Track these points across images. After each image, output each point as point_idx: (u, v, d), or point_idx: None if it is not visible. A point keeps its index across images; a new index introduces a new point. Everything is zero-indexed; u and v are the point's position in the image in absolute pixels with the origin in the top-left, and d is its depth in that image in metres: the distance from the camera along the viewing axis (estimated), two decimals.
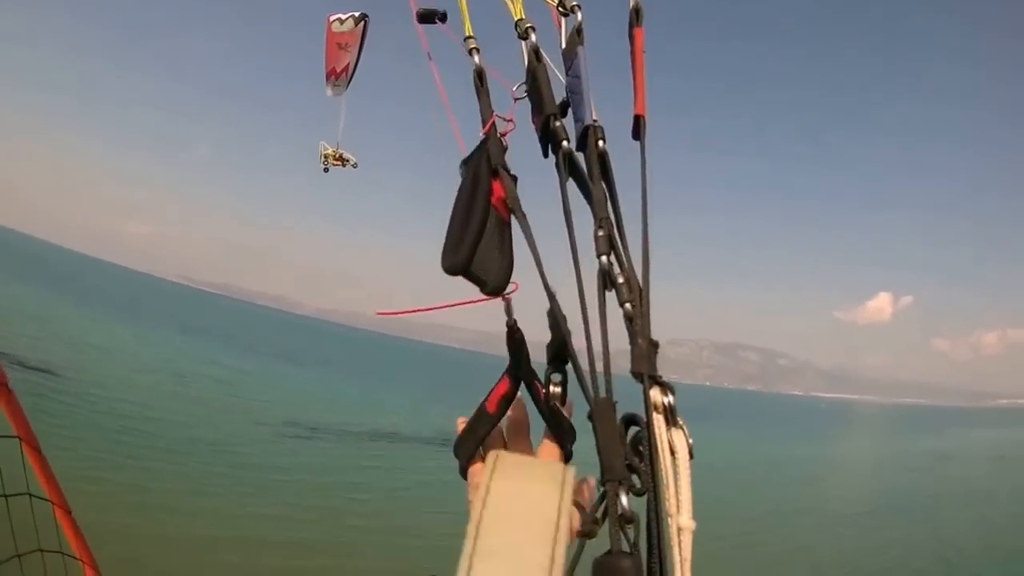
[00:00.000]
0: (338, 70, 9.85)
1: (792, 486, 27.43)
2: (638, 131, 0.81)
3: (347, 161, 10.96)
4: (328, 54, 9.74)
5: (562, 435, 0.86)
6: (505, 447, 0.88)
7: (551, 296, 0.75)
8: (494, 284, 0.84)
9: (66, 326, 34.01)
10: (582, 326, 0.72)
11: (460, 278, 0.84)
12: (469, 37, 0.92)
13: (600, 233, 0.74)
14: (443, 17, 1.11)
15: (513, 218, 0.84)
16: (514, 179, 0.85)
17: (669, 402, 0.66)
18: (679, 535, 0.61)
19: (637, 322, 0.69)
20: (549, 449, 0.86)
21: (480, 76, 0.90)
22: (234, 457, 17.11)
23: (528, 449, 0.88)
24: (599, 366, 0.71)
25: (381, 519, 14.14)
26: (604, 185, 0.79)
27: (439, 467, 19.95)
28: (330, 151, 10.86)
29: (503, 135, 0.87)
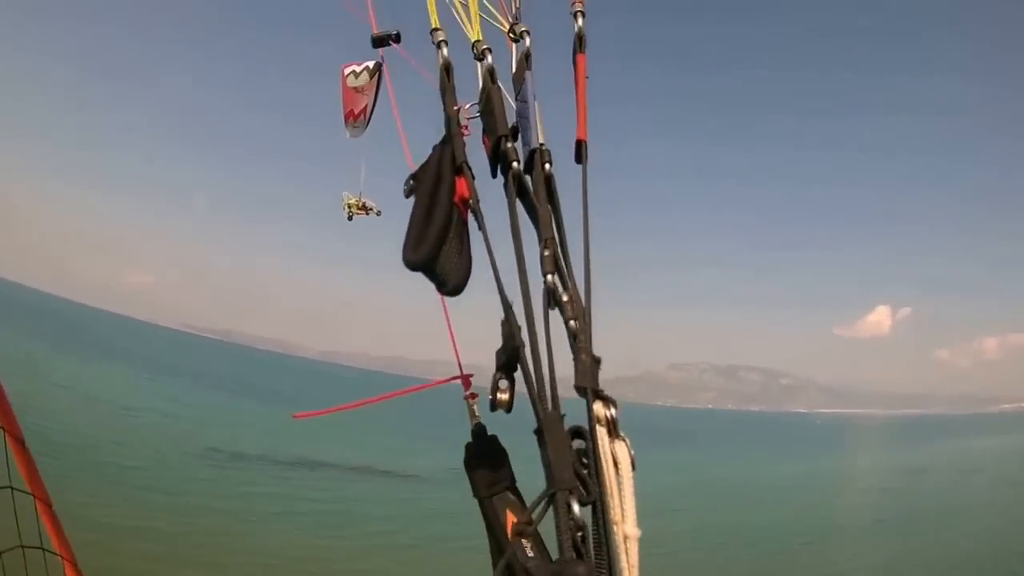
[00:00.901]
0: (356, 112, 9.68)
1: (754, 508, 27.16)
2: (580, 155, 0.82)
3: (371, 209, 10.39)
4: (344, 98, 9.58)
5: None
6: None
7: (507, 305, 0.74)
8: (454, 283, 0.83)
9: (34, 366, 34.93)
10: (528, 342, 0.73)
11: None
12: (436, 29, 0.91)
13: (546, 253, 0.75)
14: (397, 38, 1.13)
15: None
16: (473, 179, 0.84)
17: (612, 415, 0.68)
18: (625, 542, 0.64)
19: (581, 338, 0.70)
20: None
21: (447, 70, 0.89)
22: (136, 478, 17.42)
23: None
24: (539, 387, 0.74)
25: (239, 540, 14.32)
26: (549, 207, 0.80)
27: (336, 497, 20.22)
28: (353, 200, 9.81)
29: (465, 129, 0.86)
